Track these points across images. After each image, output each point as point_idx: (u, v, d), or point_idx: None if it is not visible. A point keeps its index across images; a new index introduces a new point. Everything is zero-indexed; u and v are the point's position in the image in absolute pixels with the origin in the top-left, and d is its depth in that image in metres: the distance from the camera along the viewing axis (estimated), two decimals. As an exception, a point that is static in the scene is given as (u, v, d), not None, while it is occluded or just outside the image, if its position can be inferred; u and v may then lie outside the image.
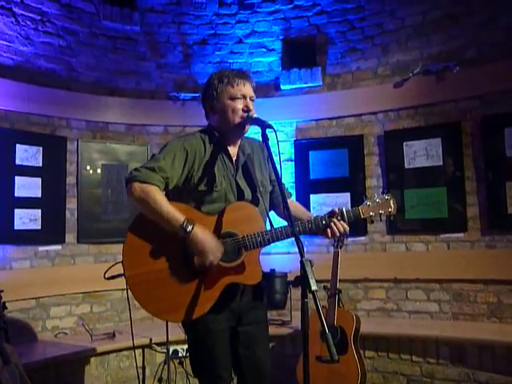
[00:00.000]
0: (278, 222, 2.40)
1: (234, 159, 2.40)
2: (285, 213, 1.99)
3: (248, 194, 2.37)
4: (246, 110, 2.30)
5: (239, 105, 2.31)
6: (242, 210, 2.29)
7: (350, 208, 2.35)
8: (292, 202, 2.62)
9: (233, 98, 2.31)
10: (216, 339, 2.27)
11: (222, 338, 2.29)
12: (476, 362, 3.64)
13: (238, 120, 2.31)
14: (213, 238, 2.17)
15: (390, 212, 2.35)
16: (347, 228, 2.29)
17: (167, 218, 2.16)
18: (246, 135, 2.49)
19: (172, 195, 2.29)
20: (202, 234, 2.14)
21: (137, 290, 2.22)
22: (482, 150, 4.15)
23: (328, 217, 2.29)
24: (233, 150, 2.41)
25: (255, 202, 2.37)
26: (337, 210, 2.30)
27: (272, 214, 2.49)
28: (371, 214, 2.33)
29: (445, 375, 3.75)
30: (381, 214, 2.34)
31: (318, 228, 2.28)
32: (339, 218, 2.29)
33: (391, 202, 2.35)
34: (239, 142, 2.45)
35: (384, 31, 4.61)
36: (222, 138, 2.38)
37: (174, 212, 2.16)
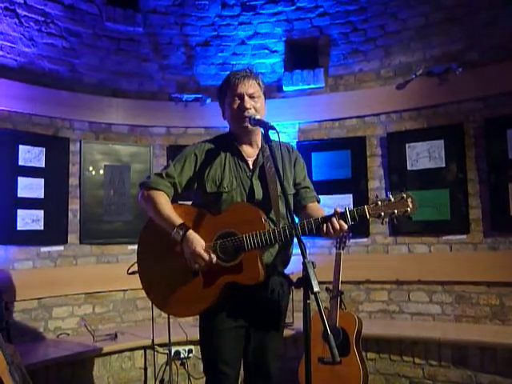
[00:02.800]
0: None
1: (252, 159, 2.42)
2: (288, 214, 1.99)
3: (259, 195, 2.37)
4: (244, 109, 2.32)
5: (234, 105, 2.35)
6: (242, 210, 2.31)
7: (354, 207, 2.22)
8: (316, 205, 2.58)
9: (231, 101, 2.36)
10: (222, 338, 2.32)
11: (229, 336, 2.33)
12: (478, 365, 3.63)
13: (238, 120, 2.34)
14: (201, 243, 2.22)
15: (405, 211, 2.14)
16: (344, 226, 2.16)
17: (165, 222, 2.30)
18: (276, 139, 2.46)
19: (193, 198, 2.46)
20: (191, 239, 2.22)
21: (146, 283, 2.42)
22: (484, 151, 4.14)
23: (328, 217, 2.22)
24: (249, 150, 2.43)
25: (266, 203, 2.35)
26: (338, 209, 2.20)
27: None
28: (381, 213, 2.16)
29: (447, 377, 3.74)
30: (393, 213, 2.14)
31: (318, 228, 2.19)
32: (338, 217, 2.17)
33: (409, 200, 2.14)
34: (259, 143, 2.45)
35: (386, 33, 4.61)
36: (234, 139, 2.43)
37: (171, 216, 2.29)
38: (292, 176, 2.51)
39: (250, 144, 2.44)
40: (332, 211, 2.22)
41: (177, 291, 2.32)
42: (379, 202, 2.17)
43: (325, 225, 2.16)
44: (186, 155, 2.41)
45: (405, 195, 2.15)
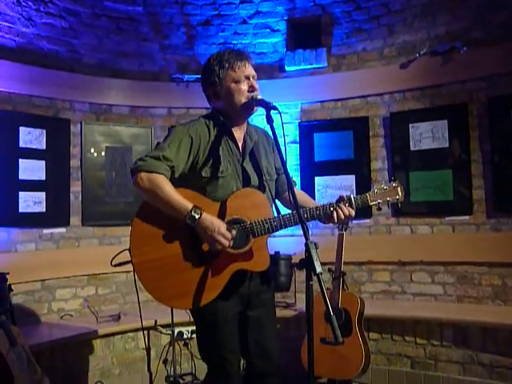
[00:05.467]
0: (283, 210, 2.38)
1: (240, 144, 2.39)
2: (290, 199, 1.97)
3: (255, 180, 2.36)
4: (252, 89, 2.30)
5: (244, 86, 2.30)
6: (249, 196, 2.29)
7: (357, 195, 2.35)
8: (297, 190, 2.60)
9: (237, 81, 2.30)
10: (224, 326, 2.28)
11: (231, 324, 2.31)
12: (480, 345, 3.65)
13: (244, 100, 2.29)
14: (222, 224, 2.16)
15: (397, 199, 2.36)
16: (353, 213, 2.29)
17: (175, 206, 2.15)
18: (250, 123, 2.49)
19: (179, 182, 2.27)
20: (211, 221, 2.14)
21: (144, 276, 2.22)
22: (488, 132, 4.11)
23: (336, 204, 2.30)
24: (238, 135, 2.40)
25: (261, 188, 2.36)
26: (345, 196, 2.31)
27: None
28: (379, 200, 2.34)
29: (448, 357, 3.76)
30: (388, 201, 2.35)
31: (326, 215, 2.28)
32: (347, 204, 2.29)
33: (399, 189, 2.36)
34: (245, 127, 2.44)
35: (390, 11, 4.53)
36: (227, 122, 2.36)
37: (181, 200, 2.15)
38: (273, 161, 2.52)
39: (240, 127, 2.41)
40: (337, 195, 2.34)
41: (182, 282, 2.19)
42: (376, 190, 2.35)
43: (334, 212, 2.26)
44: (181, 137, 2.27)
45: (395, 184, 2.37)
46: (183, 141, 2.26)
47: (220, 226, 2.14)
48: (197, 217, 2.13)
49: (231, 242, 2.16)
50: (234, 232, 2.17)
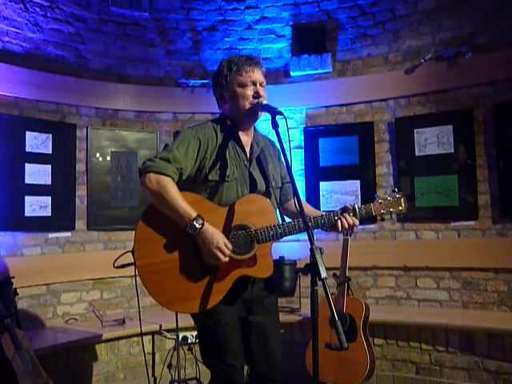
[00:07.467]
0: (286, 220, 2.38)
1: (247, 150, 2.39)
2: (296, 205, 1.98)
3: (261, 186, 2.37)
4: (257, 96, 2.29)
5: (249, 91, 2.30)
6: (255, 202, 2.29)
7: (362, 205, 2.36)
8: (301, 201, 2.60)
9: (242, 86, 2.30)
10: (227, 331, 2.27)
11: (233, 328, 2.30)
12: (485, 351, 3.63)
13: (248, 106, 2.29)
14: (221, 238, 2.14)
15: (400, 210, 2.39)
16: (357, 222, 2.30)
17: (179, 212, 2.14)
18: (257, 131, 2.50)
19: (185, 185, 2.27)
20: (211, 233, 2.12)
21: (148, 280, 2.20)
22: (493, 137, 4.09)
23: (340, 213, 2.30)
24: (245, 140, 2.40)
25: (267, 195, 2.36)
26: (349, 206, 2.31)
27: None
28: (382, 211, 2.36)
29: (454, 363, 3.74)
30: (391, 211, 2.38)
31: (331, 223, 2.29)
32: (351, 214, 2.29)
33: (402, 200, 2.39)
34: (252, 133, 2.44)
35: (395, 16, 4.54)
36: (234, 127, 2.37)
37: (186, 207, 2.14)
38: (279, 169, 2.53)
39: (247, 133, 2.41)
40: (342, 205, 2.35)
41: (185, 286, 2.17)
42: (381, 201, 2.37)
43: (339, 221, 2.28)
44: (189, 139, 2.27)
45: (398, 195, 2.39)
46: (191, 143, 2.27)
47: (219, 240, 2.12)
48: (198, 227, 2.11)
49: (227, 259, 2.14)
50: (234, 244, 2.17)
